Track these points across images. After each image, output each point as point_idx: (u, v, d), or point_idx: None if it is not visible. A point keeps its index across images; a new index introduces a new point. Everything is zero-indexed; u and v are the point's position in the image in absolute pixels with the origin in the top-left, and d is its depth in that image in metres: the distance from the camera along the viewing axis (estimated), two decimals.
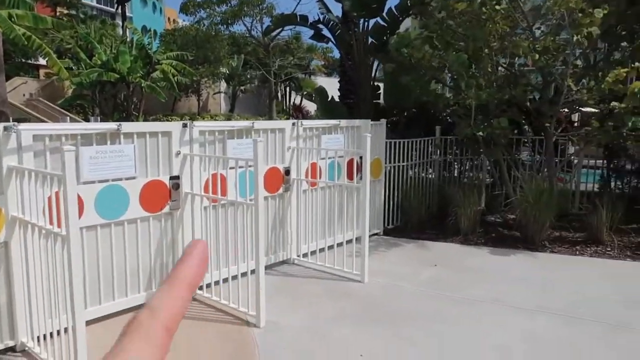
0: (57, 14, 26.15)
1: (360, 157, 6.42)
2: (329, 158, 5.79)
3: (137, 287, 4.34)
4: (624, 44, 6.99)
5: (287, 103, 28.28)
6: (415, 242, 6.47)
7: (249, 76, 25.88)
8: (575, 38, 5.76)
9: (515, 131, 7.70)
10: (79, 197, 3.87)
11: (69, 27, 20.94)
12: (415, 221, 6.98)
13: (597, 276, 5.16)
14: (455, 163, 8.29)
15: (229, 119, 21.33)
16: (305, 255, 5.59)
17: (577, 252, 5.86)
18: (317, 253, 5.50)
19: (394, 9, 8.00)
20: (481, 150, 6.94)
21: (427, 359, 3.47)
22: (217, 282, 4.46)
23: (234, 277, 4.33)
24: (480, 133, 6.58)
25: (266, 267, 5.37)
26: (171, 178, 4.46)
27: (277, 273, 5.32)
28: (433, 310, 4.30)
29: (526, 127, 8.09)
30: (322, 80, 25.35)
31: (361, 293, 4.74)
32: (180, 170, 4.52)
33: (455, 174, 8.20)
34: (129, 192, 4.17)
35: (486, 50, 6.45)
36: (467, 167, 8.38)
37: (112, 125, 4.06)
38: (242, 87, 25.82)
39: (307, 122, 5.70)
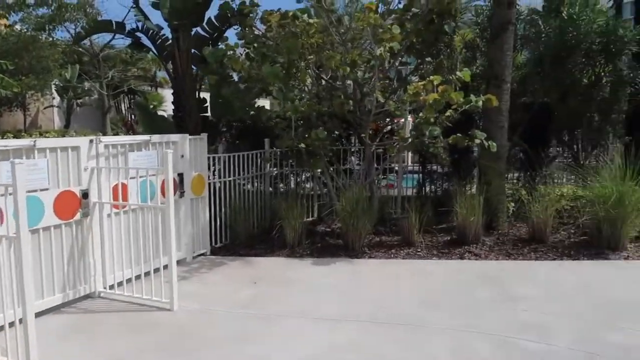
0: None
1: (179, 175, 6.08)
2: (140, 177, 5.30)
3: None
4: (429, 59, 7.63)
5: (130, 117, 26.47)
6: (242, 259, 6.26)
7: (86, 88, 23.63)
8: (378, 52, 6.08)
9: (341, 142, 7.98)
10: None
11: None
12: (244, 237, 6.79)
13: (404, 277, 5.43)
14: (292, 175, 8.31)
15: (63, 135, 19.20)
16: (112, 286, 5.03)
17: (392, 256, 6.16)
18: (125, 284, 4.99)
19: (213, 19, 7.78)
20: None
21: None
22: None
23: (1, 327, 3.67)
24: (302, 145, 6.64)
25: (64, 305, 4.73)
26: None
27: (76, 310, 4.69)
28: (240, 332, 4.10)
29: (352, 137, 8.41)
30: (169, 93, 24.17)
31: (168, 322, 4.37)
32: None
33: (292, 186, 8.20)
34: None
35: (302, 63, 6.54)
36: (303, 179, 8.45)
37: None
38: (78, 100, 23.52)
39: (107, 139, 5.17)
